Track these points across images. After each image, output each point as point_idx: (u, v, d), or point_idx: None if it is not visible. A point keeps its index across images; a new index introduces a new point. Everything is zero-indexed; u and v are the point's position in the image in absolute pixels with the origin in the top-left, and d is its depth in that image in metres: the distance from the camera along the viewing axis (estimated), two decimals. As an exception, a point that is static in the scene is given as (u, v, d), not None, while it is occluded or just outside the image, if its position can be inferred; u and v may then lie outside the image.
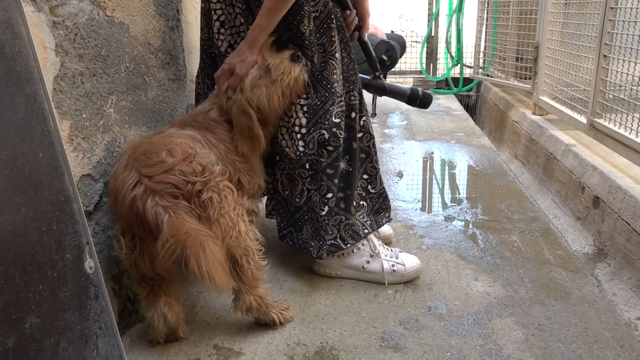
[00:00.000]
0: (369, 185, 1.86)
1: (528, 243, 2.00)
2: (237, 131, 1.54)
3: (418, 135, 3.66)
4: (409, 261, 1.75)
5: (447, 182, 2.80)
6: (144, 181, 1.23)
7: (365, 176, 1.84)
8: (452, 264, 1.84)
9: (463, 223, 2.21)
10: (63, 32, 1.27)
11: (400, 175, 2.86)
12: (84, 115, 1.36)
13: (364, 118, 1.77)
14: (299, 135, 1.66)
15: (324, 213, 1.69)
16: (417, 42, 5.92)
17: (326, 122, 1.64)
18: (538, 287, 1.69)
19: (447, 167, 3.02)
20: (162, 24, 1.81)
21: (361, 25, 1.81)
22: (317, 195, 1.69)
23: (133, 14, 1.60)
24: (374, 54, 1.93)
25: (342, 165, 1.72)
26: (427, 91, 2.00)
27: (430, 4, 5.41)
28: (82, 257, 1.12)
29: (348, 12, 1.72)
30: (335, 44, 1.64)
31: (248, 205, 1.56)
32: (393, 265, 1.73)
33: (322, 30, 1.62)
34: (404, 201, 2.47)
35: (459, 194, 2.57)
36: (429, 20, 5.41)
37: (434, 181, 2.80)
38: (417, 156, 3.21)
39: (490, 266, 1.83)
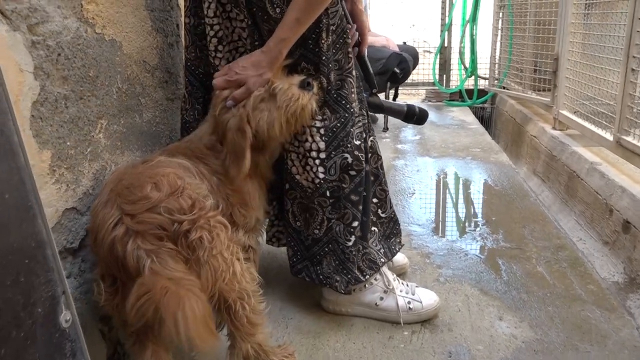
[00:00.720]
0: (379, 210, 1.72)
1: (556, 275, 1.84)
2: (228, 149, 1.40)
3: (432, 151, 3.51)
4: (427, 298, 1.60)
5: (464, 203, 2.65)
6: (125, 220, 1.10)
7: (375, 200, 1.70)
8: (473, 300, 1.69)
9: (484, 251, 2.05)
10: (44, 53, 1.14)
11: (414, 195, 2.71)
12: (68, 143, 1.24)
13: (371, 138, 1.66)
14: (317, 161, 1.53)
15: (350, 244, 1.56)
16: (429, 52, 5.79)
17: (348, 145, 1.53)
18: (570, 329, 1.53)
19: (463, 187, 2.87)
20: (160, 40, 1.69)
21: (360, 41, 1.70)
22: (341, 224, 1.56)
23: (127, 31, 1.48)
24: (371, 70, 1.82)
25: None
26: (423, 107, 1.91)
27: (442, 14, 5.27)
28: (56, 309, 0.98)
29: (349, 26, 1.60)
30: (352, 61, 1.53)
31: (245, 241, 1.42)
32: (409, 303, 1.59)
33: (338, 46, 1.51)
34: (419, 225, 2.32)
35: (478, 217, 2.41)
36: (441, 31, 5.27)
37: (450, 202, 2.65)
38: (431, 174, 3.06)
39: (516, 303, 1.67)
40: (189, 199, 1.15)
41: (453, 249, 2.07)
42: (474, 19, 4.73)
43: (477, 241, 2.14)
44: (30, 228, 0.93)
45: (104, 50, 1.37)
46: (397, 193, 2.72)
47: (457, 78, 5.20)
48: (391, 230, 1.77)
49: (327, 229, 1.58)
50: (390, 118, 4.13)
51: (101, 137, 1.37)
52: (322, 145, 1.52)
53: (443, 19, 5.27)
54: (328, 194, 1.55)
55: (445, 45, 5.30)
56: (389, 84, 3.81)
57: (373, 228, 1.69)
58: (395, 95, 4.19)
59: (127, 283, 1.11)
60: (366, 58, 1.78)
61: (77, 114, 1.27)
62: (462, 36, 4.88)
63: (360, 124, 1.59)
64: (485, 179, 2.93)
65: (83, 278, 1.32)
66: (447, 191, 2.84)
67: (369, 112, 1.73)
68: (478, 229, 2.26)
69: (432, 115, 4.67)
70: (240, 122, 1.37)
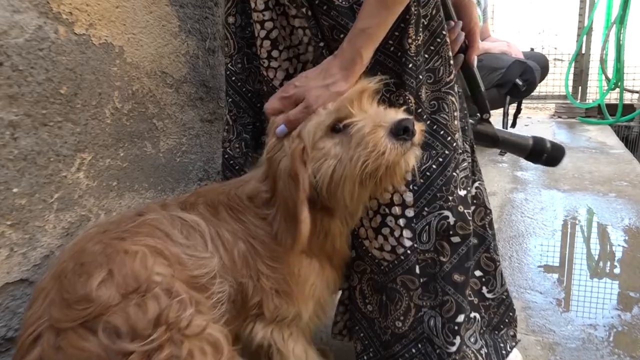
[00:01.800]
0: (484, 287, 1.19)
1: None
2: (278, 203, 0.94)
3: (562, 182, 2.82)
4: None
5: (606, 262, 1.97)
6: (45, 340, 0.69)
7: (478, 273, 1.18)
8: None
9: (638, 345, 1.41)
10: (-32, 62, 0.79)
11: (534, 245, 2.09)
12: (15, 190, 0.87)
13: (477, 183, 1.14)
14: (401, 221, 1.04)
15: (453, 348, 1.06)
16: (560, 60, 4.98)
17: (449, 198, 1.04)
18: None
19: (605, 237, 2.17)
20: (192, 45, 1.30)
21: (469, 45, 1.18)
22: (438, 317, 1.06)
23: (133, 32, 1.10)
24: (483, 87, 1.28)
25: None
26: (558, 143, 1.32)
27: (581, 15, 4.46)
28: None
29: (452, 23, 1.10)
30: (454, 72, 1.05)
31: (264, 336, 0.95)
32: None
33: (432, 48, 1.03)
34: (540, 293, 1.71)
35: (628, 287, 1.74)
36: (578, 35, 4.45)
37: (586, 260, 1.99)
38: (560, 214, 2.38)
39: None
40: (156, 306, 0.72)
41: (590, 338, 1.45)
42: (621, 20, 3.91)
43: (627, 327, 1.49)
44: None
45: (90, 57, 1.00)
46: (512, 240, 2.11)
47: (596, 90, 4.41)
48: (501, 318, 1.22)
49: (415, 320, 1.07)
50: (509, 138, 3.46)
51: (81, 176, 1.00)
52: (409, 197, 1.03)
53: (581, 21, 4.46)
54: (417, 270, 1.05)
55: (583, 52, 4.49)
56: (508, 98, 3.16)
57: (473, 314, 1.16)
58: (517, 112, 3.51)
59: None
60: (476, 69, 1.25)
61: (36, 147, 0.90)
62: (605, 41, 4.07)
63: (465, 164, 1.10)
64: (636, 226, 2.20)
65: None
66: (582, 241, 2.16)
67: (474, 144, 1.20)
68: (629, 307, 1.60)
69: (562, 136, 3.91)
70: (291, 162, 0.90)
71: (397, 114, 0.89)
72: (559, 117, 4.54)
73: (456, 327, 1.04)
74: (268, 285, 0.93)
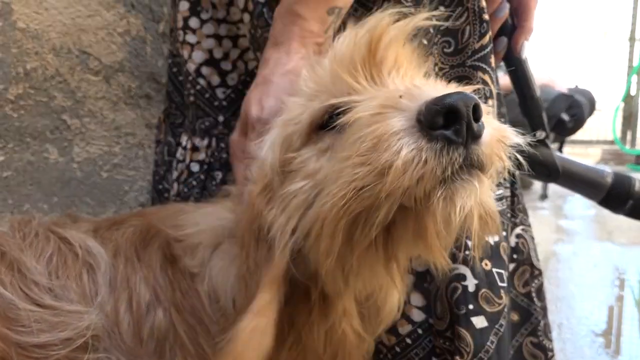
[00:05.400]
0: None
1: None
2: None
3: (616, 235, 2.38)
4: None
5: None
6: None
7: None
8: None
9: None
10: None
11: (588, 310, 1.65)
12: None
13: (519, 229, 0.78)
14: (411, 276, 0.67)
15: None
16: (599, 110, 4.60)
17: (468, 243, 0.65)
18: None
19: (681, 304, 1.71)
20: (137, 25, 0.98)
21: (516, 24, 0.80)
22: None
23: (31, -13, 0.79)
24: (537, 93, 0.89)
25: None
26: None
27: (630, 52, 4.09)
28: None
29: None
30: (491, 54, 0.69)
31: None
32: None
33: None
34: (602, 380, 1.27)
35: None
36: (628, 74, 4.07)
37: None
38: (617, 273, 1.94)
39: None
40: None
41: None
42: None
43: None
44: None
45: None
46: (560, 302, 1.68)
47: (648, 135, 3.98)
48: None
49: None
50: (551, 183, 3.04)
51: None
52: None
53: (631, 59, 4.07)
54: None
55: (632, 93, 4.09)
56: (552, 135, 2.76)
57: None
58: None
59: None
60: (526, 62, 0.87)
61: None
62: (660, 80, 3.68)
63: (499, 191, 0.73)
64: None
65: None
66: (650, 309, 1.71)
67: (515, 176, 0.81)
68: None
69: (611, 183, 3.45)
70: (247, 214, 0.52)
71: (443, 89, 0.43)
72: (606, 164, 4.09)
73: None
74: None
